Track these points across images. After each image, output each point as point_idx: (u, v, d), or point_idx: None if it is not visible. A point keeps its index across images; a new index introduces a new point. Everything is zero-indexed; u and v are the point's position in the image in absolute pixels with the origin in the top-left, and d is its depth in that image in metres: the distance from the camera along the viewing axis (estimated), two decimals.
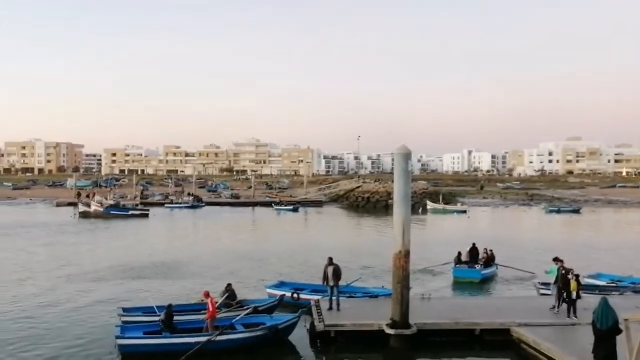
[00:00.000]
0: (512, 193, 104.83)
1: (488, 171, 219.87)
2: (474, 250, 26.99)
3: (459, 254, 26.93)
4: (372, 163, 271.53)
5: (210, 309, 15.70)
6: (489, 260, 26.90)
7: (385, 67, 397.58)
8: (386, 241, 36.57)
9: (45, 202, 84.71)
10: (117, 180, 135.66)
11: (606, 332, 11.55)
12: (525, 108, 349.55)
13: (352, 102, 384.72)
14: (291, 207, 74.68)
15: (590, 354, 12.09)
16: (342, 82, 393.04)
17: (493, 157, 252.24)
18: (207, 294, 16.24)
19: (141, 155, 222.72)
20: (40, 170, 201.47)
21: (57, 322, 18.43)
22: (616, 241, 41.95)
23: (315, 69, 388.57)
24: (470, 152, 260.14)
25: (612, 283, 23.05)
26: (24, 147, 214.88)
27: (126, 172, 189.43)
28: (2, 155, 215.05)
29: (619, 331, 11.23)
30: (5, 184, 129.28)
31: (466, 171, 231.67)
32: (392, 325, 15.57)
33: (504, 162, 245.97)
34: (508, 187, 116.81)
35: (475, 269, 26.01)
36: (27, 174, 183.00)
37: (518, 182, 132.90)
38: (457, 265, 26.34)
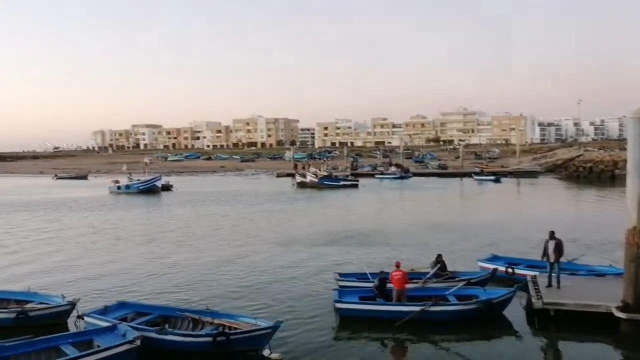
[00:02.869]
0: None
1: None
2: None
3: None
4: (595, 129, 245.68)
5: (400, 276, 15.85)
6: None
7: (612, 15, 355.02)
8: (613, 216, 33.11)
9: (267, 173, 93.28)
10: (330, 152, 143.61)
11: None
12: None
13: (569, 62, 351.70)
14: (493, 177, 71.66)
15: None
16: (556, 38, 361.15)
17: None
18: (397, 265, 16.37)
19: (350, 128, 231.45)
20: (263, 144, 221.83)
21: (279, 281, 20.17)
22: None
23: (524, 26, 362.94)
24: None
25: None
26: (248, 124, 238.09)
27: (337, 145, 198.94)
28: (231, 131, 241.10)
29: None
30: (234, 157, 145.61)
31: None
32: (624, 308, 14.01)
33: None
34: None
35: None
36: (252, 148, 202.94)
37: None
38: None
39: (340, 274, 18.82)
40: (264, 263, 23.53)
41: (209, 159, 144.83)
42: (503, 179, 71.51)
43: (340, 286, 17.60)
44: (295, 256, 24.81)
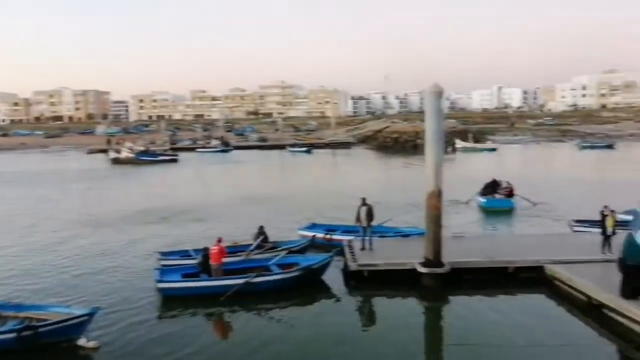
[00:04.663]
0: (544, 130, 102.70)
1: (519, 107, 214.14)
2: (494, 184, 28.78)
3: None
4: (400, 103, 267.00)
5: (217, 251, 15.82)
6: (511, 194, 28.23)
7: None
8: (416, 181, 36.39)
9: (77, 150, 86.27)
10: (146, 126, 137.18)
11: (633, 268, 11.50)
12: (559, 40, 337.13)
13: (380, 40, 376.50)
14: (305, 149, 76.10)
15: None
16: (368, 18, 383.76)
17: (524, 92, 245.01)
18: (219, 240, 16.23)
19: (167, 100, 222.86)
20: (70, 118, 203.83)
21: (95, 266, 18.96)
22: None
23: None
24: (500, 89, 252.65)
25: None
26: (52, 96, 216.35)
27: (154, 118, 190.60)
28: (31, 104, 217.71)
29: None
30: (37, 132, 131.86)
31: (496, 108, 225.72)
32: (426, 264, 15.63)
33: (535, 98, 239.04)
34: (540, 124, 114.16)
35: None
36: (57, 122, 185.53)
37: (550, 118, 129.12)
38: (485, 197, 28.07)
39: (162, 253, 18.28)
40: (77, 248, 21.92)
41: (6, 135, 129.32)
42: (317, 150, 75.79)
43: (162, 265, 17.10)
44: (112, 238, 23.47)
